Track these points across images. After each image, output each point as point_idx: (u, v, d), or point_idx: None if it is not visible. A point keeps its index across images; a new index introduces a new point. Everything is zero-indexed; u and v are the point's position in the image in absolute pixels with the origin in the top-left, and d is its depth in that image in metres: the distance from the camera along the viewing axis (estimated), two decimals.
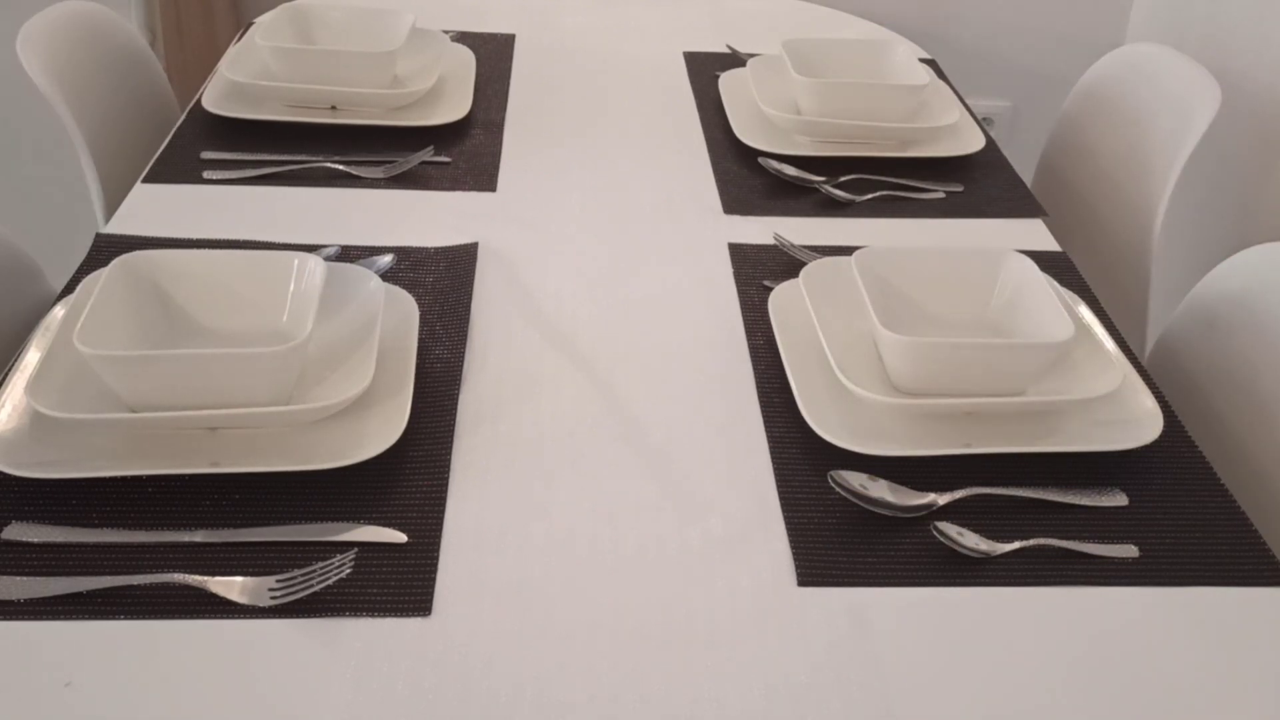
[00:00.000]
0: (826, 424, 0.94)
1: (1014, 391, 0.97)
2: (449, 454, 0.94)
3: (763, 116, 1.47)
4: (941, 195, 1.37)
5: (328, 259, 1.08)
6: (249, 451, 0.90)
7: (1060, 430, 0.97)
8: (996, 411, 0.98)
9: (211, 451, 0.90)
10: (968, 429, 0.96)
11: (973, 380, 0.96)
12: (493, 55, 1.68)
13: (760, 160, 1.39)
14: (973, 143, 1.46)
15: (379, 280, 1.03)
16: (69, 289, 1.09)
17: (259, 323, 0.99)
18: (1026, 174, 1.52)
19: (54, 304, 1.05)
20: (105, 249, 1.16)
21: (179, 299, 0.99)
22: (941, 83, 1.60)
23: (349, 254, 1.17)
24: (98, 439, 0.90)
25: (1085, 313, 1.09)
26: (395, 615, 0.80)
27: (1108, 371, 0.98)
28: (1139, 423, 0.97)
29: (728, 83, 1.58)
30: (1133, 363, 1.05)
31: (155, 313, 0.98)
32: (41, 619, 0.78)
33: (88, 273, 1.09)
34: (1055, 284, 1.08)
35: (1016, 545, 0.87)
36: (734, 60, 1.70)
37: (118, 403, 0.90)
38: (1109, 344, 1.04)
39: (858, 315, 1.03)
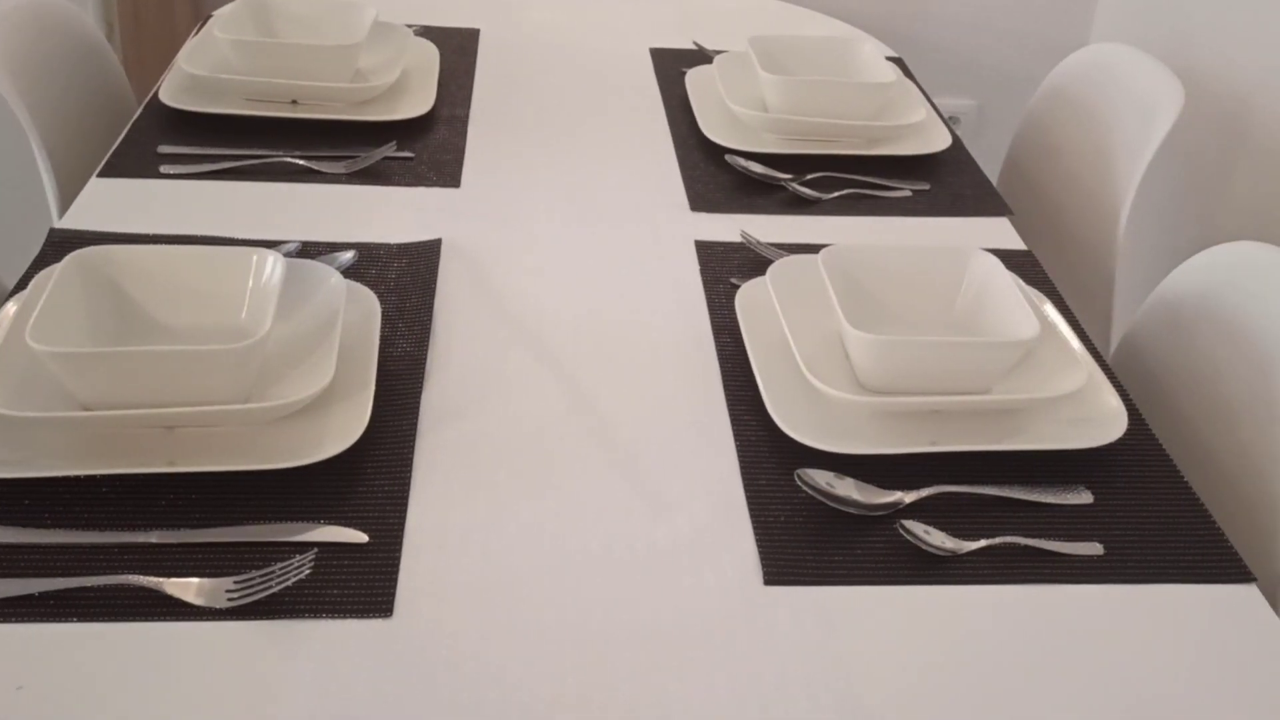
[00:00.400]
0: (793, 422, 0.94)
1: (979, 390, 0.97)
2: (411, 453, 0.93)
3: (730, 113, 1.47)
4: (908, 194, 1.38)
5: (288, 255, 1.07)
6: (207, 450, 0.89)
7: (1026, 429, 0.97)
8: (962, 410, 0.98)
9: (169, 450, 0.88)
10: (934, 427, 0.96)
11: (938, 378, 0.96)
12: (457, 50, 1.67)
13: (727, 158, 1.39)
14: (938, 141, 1.46)
15: (340, 277, 1.02)
16: (22, 285, 1.07)
17: (217, 319, 0.98)
18: (992, 173, 1.53)
19: (5, 300, 1.03)
20: (59, 245, 1.14)
21: (135, 295, 0.98)
22: (908, 81, 1.60)
23: (310, 250, 1.15)
24: (51, 438, 0.88)
25: (1051, 311, 1.09)
26: (356, 616, 0.79)
27: (1073, 370, 0.98)
28: (1104, 421, 0.97)
29: (694, 79, 1.58)
30: (1098, 361, 1.06)
31: (111, 309, 0.96)
32: None
33: (41, 269, 1.07)
34: (1021, 282, 1.08)
35: (982, 543, 0.88)
36: (701, 57, 1.70)
37: (73, 401, 0.88)
38: (1074, 342, 1.05)
39: (824, 313, 1.03)
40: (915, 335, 1.02)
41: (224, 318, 0.98)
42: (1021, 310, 0.99)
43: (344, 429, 0.91)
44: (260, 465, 0.87)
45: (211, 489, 0.87)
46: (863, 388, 0.98)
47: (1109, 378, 1.03)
